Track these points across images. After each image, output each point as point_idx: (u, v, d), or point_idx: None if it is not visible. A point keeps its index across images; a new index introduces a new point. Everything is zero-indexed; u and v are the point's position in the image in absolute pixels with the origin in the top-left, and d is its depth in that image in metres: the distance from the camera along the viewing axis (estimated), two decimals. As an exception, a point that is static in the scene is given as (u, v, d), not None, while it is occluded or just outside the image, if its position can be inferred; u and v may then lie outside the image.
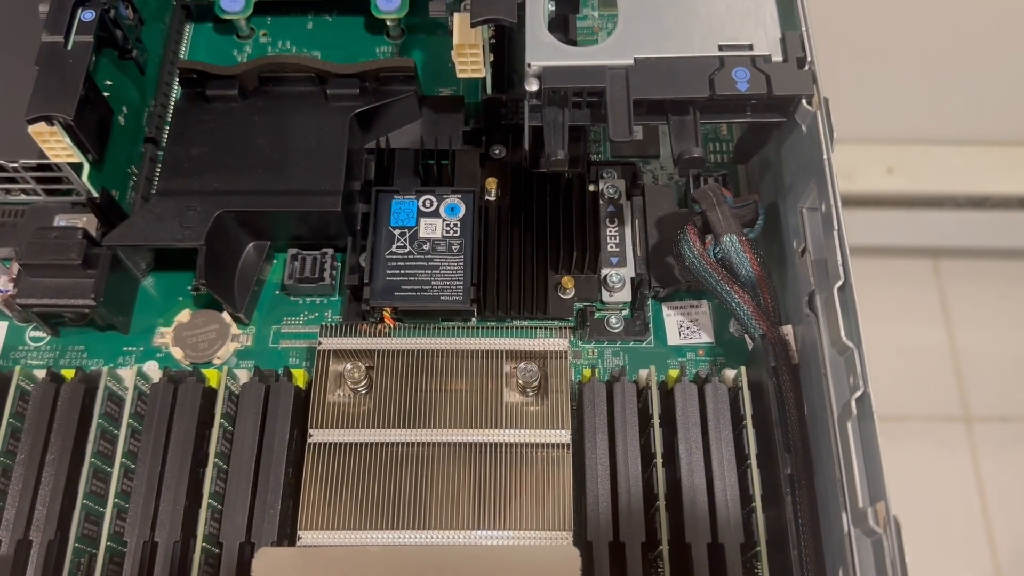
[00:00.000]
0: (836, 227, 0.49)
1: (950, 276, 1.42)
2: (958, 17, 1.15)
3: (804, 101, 0.53)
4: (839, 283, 0.49)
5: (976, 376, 1.34)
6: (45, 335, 0.63)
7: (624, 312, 0.63)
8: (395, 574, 0.41)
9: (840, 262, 0.49)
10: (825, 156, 0.51)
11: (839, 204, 0.50)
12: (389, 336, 0.57)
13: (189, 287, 0.64)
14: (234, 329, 0.62)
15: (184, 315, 0.62)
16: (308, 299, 0.64)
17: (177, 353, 0.61)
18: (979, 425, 1.33)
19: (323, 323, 0.62)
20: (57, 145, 0.56)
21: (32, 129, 0.54)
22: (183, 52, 0.73)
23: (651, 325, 0.62)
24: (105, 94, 0.60)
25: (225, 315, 0.62)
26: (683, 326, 0.63)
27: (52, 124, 0.54)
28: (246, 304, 0.62)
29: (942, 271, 1.43)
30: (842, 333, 0.48)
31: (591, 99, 0.54)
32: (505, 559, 0.42)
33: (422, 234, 0.62)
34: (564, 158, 0.54)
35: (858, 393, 0.46)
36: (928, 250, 1.42)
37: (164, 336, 0.62)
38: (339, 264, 0.64)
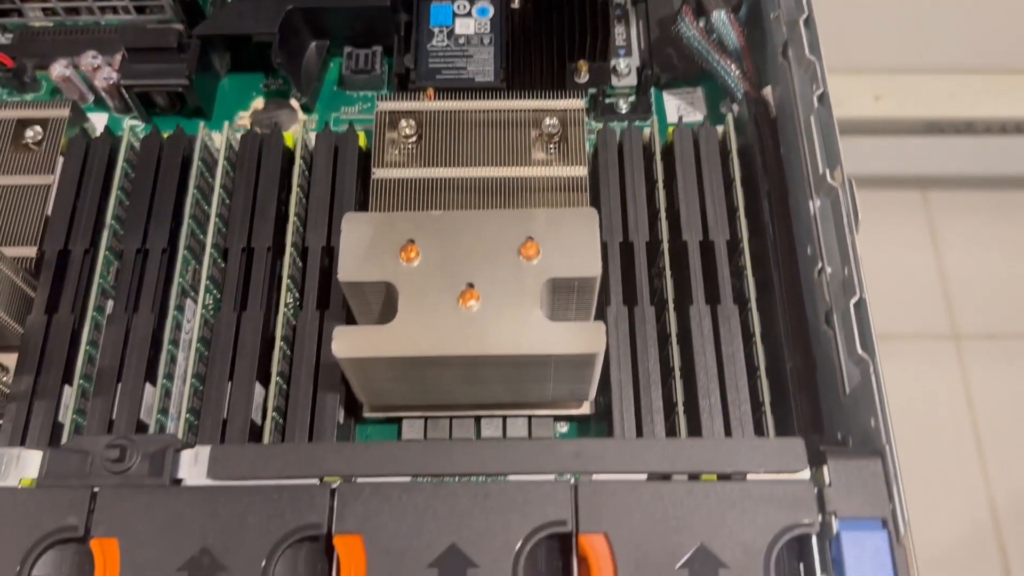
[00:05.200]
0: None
1: (938, 203, 1.47)
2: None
3: None
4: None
5: (964, 296, 1.41)
6: (140, 123, 0.74)
7: (631, 97, 0.74)
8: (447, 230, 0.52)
9: None
10: None
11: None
12: (433, 101, 0.68)
13: (261, 84, 0.75)
14: (301, 114, 0.73)
15: (259, 102, 0.73)
16: (361, 93, 0.75)
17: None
18: (967, 343, 1.39)
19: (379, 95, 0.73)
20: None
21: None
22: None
23: (654, 107, 0.74)
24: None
25: (293, 101, 0.73)
26: (681, 108, 0.74)
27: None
28: (310, 93, 0.73)
29: (930, 199, 1.48)
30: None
31: None
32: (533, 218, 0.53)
33: (457, 31, 0.73)
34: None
35: (819, 92, 0.56)
36: (916, 179, 1.48)
37: (242, 119, 0.73)
38: (387, 65, 0.75)
